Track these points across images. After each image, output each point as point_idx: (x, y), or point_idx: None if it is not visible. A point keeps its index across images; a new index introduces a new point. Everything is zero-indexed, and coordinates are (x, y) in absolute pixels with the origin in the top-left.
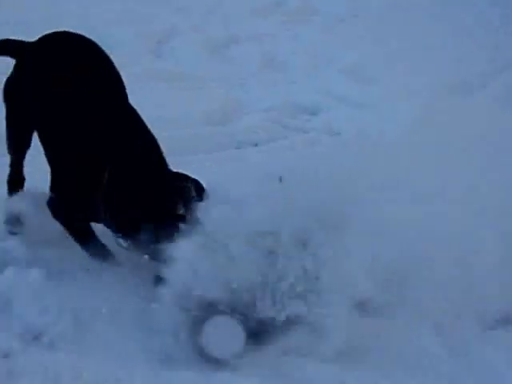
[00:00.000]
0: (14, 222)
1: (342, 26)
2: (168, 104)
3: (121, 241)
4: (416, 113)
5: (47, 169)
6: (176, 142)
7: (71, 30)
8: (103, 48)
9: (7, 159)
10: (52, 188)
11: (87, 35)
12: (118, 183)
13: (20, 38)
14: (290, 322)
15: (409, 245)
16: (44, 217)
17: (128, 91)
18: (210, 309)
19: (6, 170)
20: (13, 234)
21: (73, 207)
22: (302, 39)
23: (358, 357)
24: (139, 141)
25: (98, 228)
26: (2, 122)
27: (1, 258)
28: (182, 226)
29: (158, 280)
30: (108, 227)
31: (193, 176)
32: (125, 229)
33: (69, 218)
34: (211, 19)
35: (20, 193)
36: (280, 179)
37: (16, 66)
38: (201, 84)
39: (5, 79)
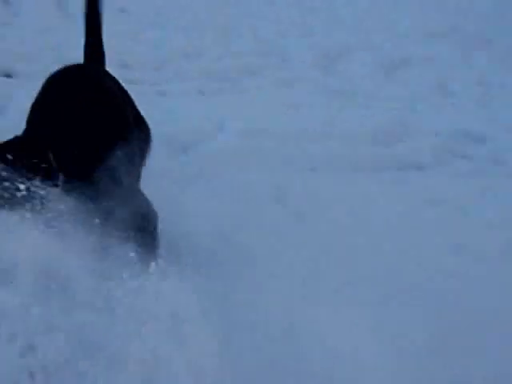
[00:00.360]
0: None
1: None
2: (335, 121)
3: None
4: None
5: None
6: (339, 158)
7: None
8: None
9: None
10: None
11: (258, 45)
12: None
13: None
14: None
15: None
16: None
17: (297, 104)
18: None
19: None
20: None
21: None
22: (475, 66)
23: None
24: None
25: None
26: None
27: None
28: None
29: None
30: None
31: None
32: None
33: None
34: (386, 39)
35: None
36: None
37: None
38: (369, 103)
39: None
